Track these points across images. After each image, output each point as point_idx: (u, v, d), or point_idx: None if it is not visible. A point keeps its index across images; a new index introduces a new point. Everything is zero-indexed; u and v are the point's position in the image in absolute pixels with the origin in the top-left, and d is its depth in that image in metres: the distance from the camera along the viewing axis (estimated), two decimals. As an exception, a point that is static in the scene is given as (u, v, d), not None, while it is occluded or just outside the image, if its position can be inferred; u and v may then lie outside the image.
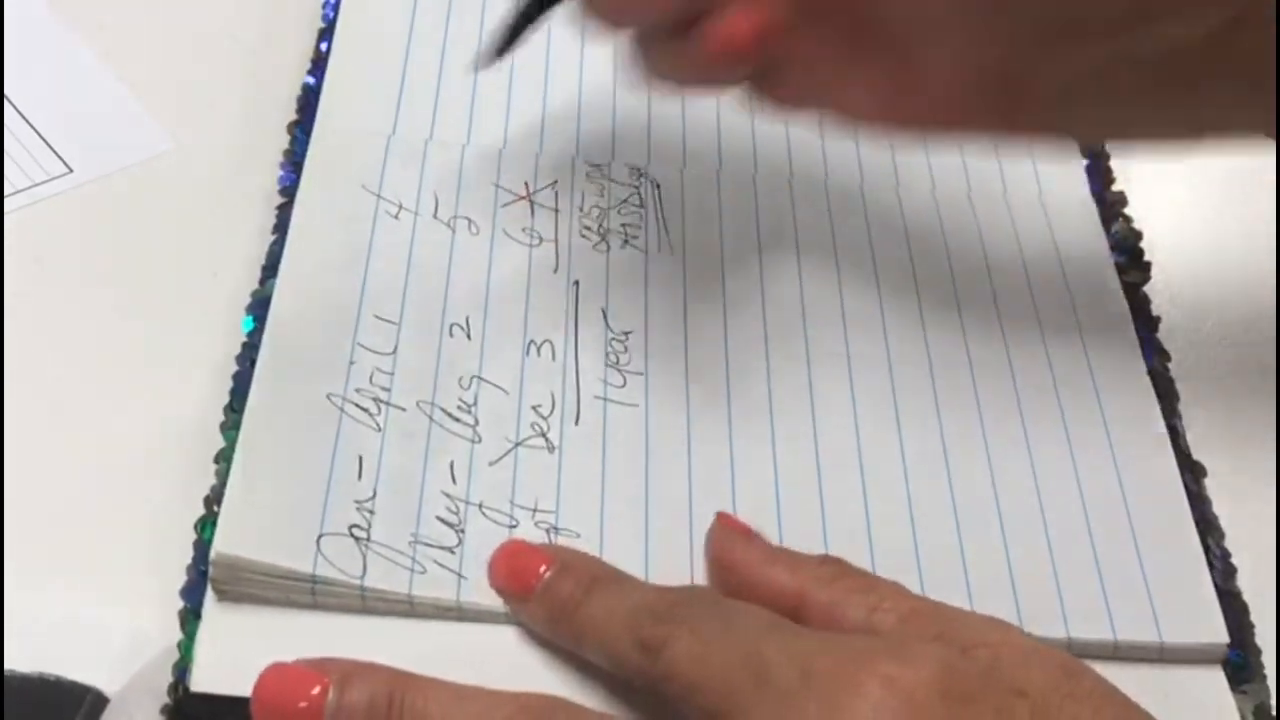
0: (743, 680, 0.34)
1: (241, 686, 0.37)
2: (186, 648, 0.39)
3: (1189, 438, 0.46)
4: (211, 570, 0.39)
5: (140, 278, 0.49)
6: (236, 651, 0.38)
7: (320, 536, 0.40)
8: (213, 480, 0.42)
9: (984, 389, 0.46)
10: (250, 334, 0.45)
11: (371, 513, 0.41)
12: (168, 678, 0.38)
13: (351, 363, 0.44)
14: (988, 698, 0.33)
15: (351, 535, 0.40)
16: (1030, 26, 0.40)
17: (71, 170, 0.52)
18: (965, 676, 0.33)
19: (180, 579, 0.40)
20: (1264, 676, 0.41)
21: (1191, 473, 0.45)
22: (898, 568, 0.41)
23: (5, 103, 0.54)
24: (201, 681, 0.38)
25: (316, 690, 0.35)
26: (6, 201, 0.51)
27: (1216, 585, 0.42)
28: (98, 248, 0.50)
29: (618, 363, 0.46)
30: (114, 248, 0.50)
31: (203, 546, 0.40)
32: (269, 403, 0.43)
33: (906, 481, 0.43)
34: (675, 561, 0.41)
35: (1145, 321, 0.49)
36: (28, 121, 0.53)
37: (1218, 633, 0.41)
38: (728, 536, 0.40)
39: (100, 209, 0.51)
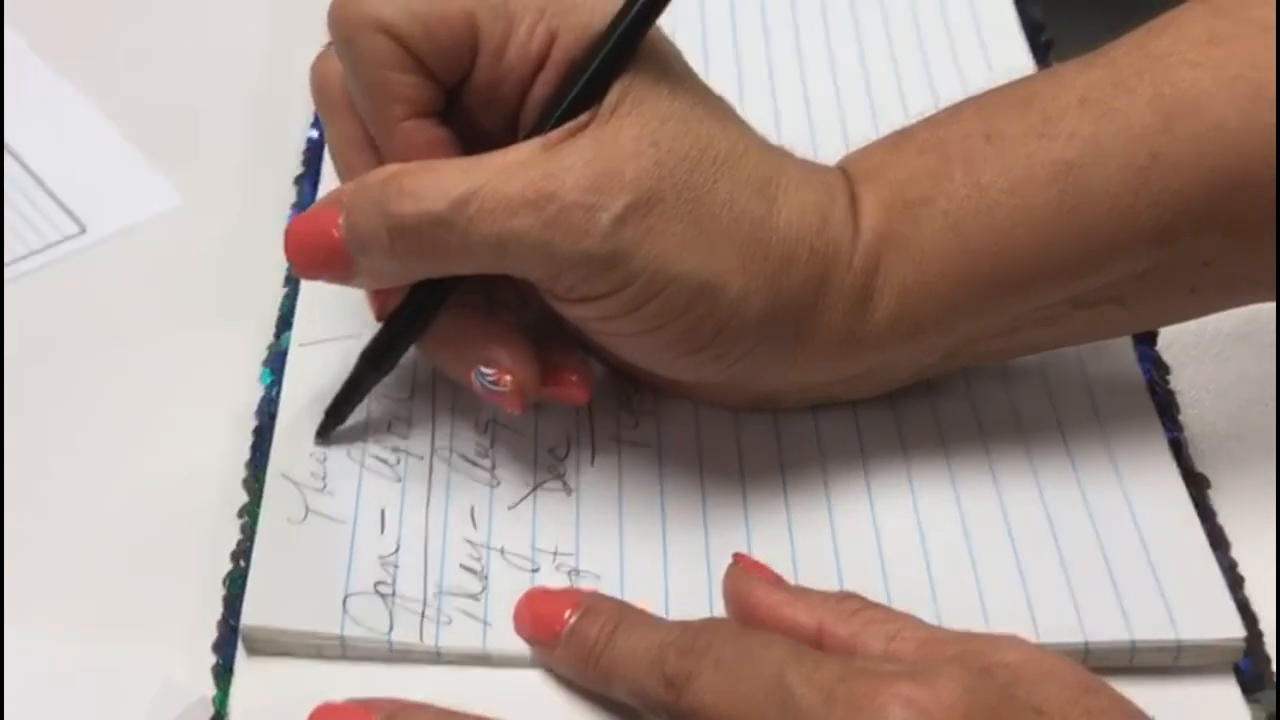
0: (767, 709, 0.35)
1: (275, 740, 0.38)
2: (220, 702, 0.39)
3: (1190, 450, 0.46)
4: (243, 631, 0.40)
5: (158, 332, 0.50)
6: (270, 705, 0.39)
7: (346, 598, 0.40)
8: (237, 534, 0.43)
9: (984, 410, 0.46)
10: (269, 387, 0.46)
11: (396, 567, 0.41)
12: (202, 730, 0.39)
13: (368, 414, 0.45)
14: (1007, 717, 0.34)
15: (377, 592, 0.41)
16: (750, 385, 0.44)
17: (84, 230, 0.53)
18: (985, 696, 0.34)
19: (208, 628, 0.41)
20: (1276, 685, 0.41)
21: (1195, 485, 0.45)
22: (910, 589, 0.41)
23: (18, 166, 0.54)
24: (238, 738, 0.39)
25: None
26: (23, 262, 0.51)
27: (1226, 592, 0.42)
28: (113, 305, 0.51)
29: (629, 402, 0.46)
30: (129, 304, 0.51)
31: (231, 601, 0.41)
32: (289, 466, 0.43)
33: (915, 505, 0.44)
34: (695, 597, 0.41)
35: (1143, 335, 0.49)
36: (41, 184, 0.54)
37: (1234, 628, 0.41)
38: (745, 578, 0.40)
39: (114, 267, 0.52)
